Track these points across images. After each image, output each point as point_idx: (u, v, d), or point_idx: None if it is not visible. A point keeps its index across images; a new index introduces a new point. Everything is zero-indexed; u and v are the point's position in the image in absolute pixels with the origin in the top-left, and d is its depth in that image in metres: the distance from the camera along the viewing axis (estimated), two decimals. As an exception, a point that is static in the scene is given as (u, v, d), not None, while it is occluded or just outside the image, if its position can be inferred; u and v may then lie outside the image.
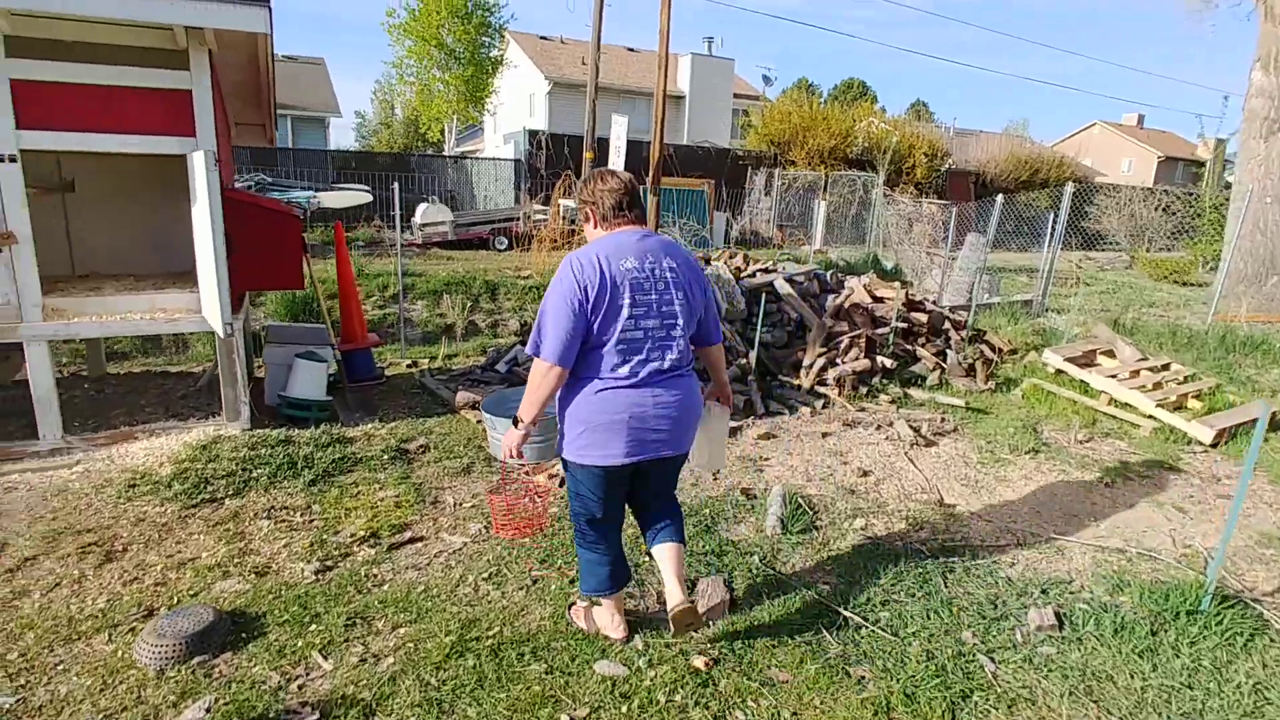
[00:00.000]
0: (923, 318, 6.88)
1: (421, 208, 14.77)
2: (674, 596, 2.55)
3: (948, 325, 7.06)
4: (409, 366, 6.68)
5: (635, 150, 18.15)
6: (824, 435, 5.06)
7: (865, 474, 4.40)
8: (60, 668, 2.53)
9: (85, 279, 5.12)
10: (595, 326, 2.28)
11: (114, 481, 3.93)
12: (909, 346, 6.58)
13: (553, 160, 17.91)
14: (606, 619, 2.70)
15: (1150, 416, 5.46)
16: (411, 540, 3.48)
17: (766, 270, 7.09)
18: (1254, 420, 5.20)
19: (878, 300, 7.02)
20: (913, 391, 6.06)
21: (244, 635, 2.71)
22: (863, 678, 2.58)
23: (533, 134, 18.47)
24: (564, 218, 12.96)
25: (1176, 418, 5.32)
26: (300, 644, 2.66)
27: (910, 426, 5.12)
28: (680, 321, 2.40)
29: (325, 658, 2.59)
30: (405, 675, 2.49)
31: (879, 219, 15.39)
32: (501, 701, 2.38)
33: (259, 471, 4.04)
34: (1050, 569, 3.39)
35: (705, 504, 3.89)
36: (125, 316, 4.27)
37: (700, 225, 15.19)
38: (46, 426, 4.22)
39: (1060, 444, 5.02)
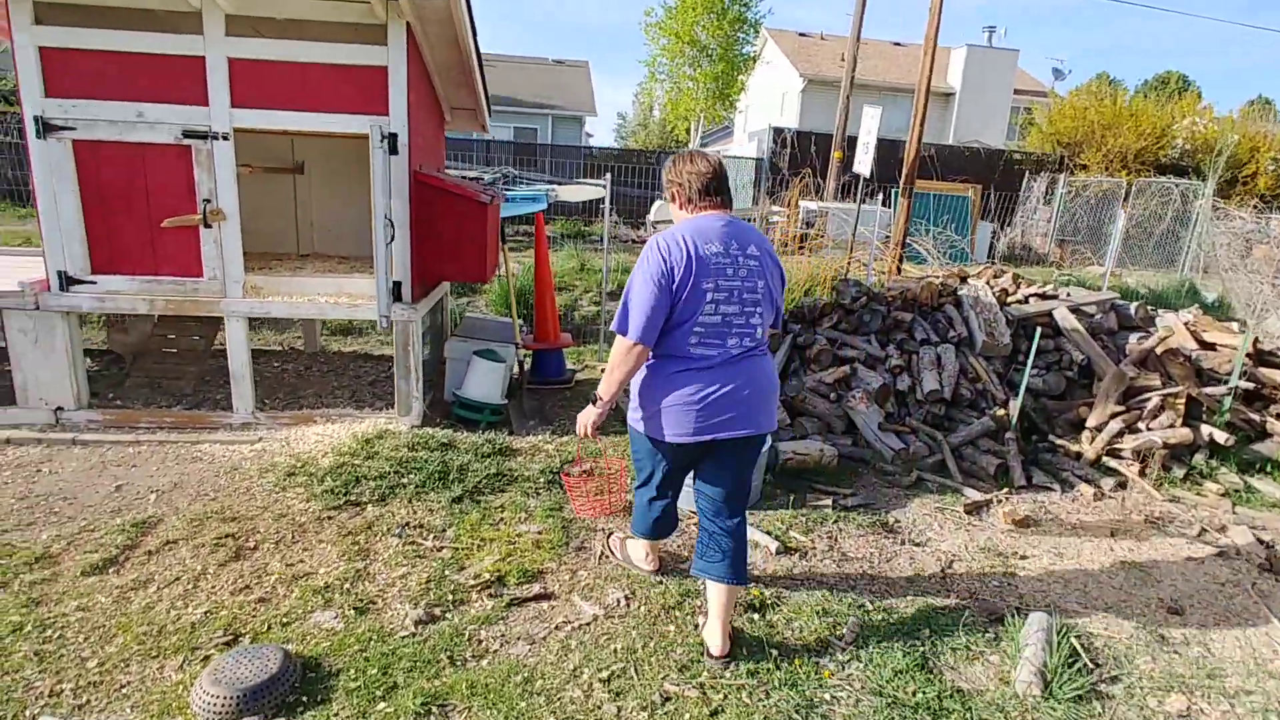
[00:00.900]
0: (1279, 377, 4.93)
1: (656, 205, 14.60)
2: (713, 639, 2.52)
3: (1320, 390, 5.01)
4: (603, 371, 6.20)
5: (890, 150, 16.47)
6: (1113, 534, 3.64)
7: (1178, 612, 2.98)
8: (122, 693, 2.24)
9: (306, 258, 5.26)
10: (678, 308, 2.30)
11: (278, 467, 3.82)
12: (1255, 416, 4.72)
13: (797, 160, 16.85)
14: (640, 554, 3.03)
15: None
16: (538, 597, 2.85)
17: (1043, 296, 5.56)
18: None
19: (1206, 347, 5.17)
20: (1259, 483, 4.27)
21: (305, 698, 2.24)
22: None
23: (777, 131, 17.55)
24: (802, 220, 11.94)
25: None
26: (360, 728, 2.13)
27: (1258, 539, 3.51)
28: (760, 310, 2.40)
29: (379, 758, 2.03)
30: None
31: (1201, 237, 12.28)
32: None
33: (410, 478, 3.70)
34: None
35: (921, 615, 2.81)
36: (313, 298, 4.20)
37: (960, 236, 13.23)
38: (240, 400, 4.28)
39: None
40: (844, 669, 2.52)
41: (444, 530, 3.32)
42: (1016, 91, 26.56)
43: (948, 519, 3.77)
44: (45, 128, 3.83)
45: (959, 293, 5.33)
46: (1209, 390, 4.68)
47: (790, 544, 3.37)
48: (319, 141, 5.08)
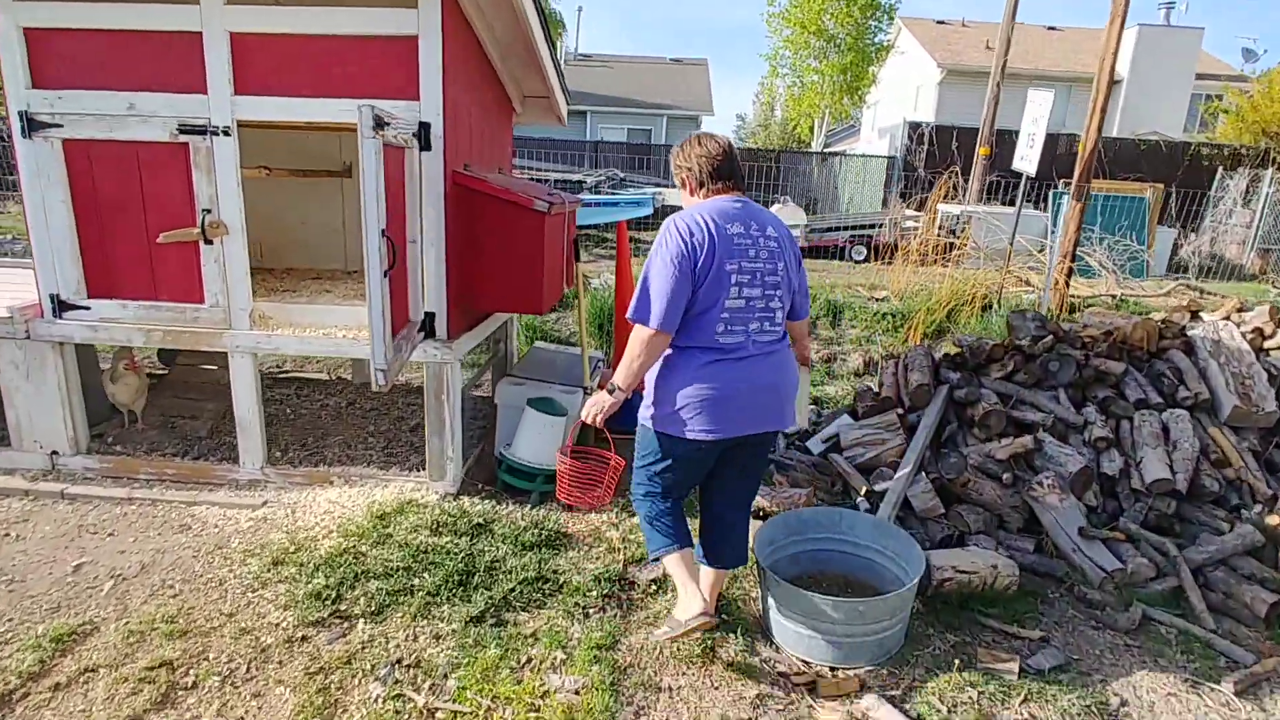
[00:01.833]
0: None
1: (773, 209, 13.33)
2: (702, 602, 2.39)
3: None
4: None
5: (1047, 145, 14.34)
6: None
7: None
8: None
9: (353, 274, 4.52)
10: (701, 292, 2.17)
11: (268, 549, 3.01)
12: None
13: (935, 157, 15.05)
14: (681, 612, 2.43)
15: None
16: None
17: (1315, 338, 3.98)
18: None
19: None
20: None
21: None
22: None
23: (913, 126, 15.78)
24: (942, 227, 10.36)
25: None
26: None
27: None
28: (780, 293, 2.31)
29: None
30: None
31: None
32: None
33: (422, 579, 2.79)
34: None
35: None
36: (329, 332, 3.38)
37: (1138, 243, 11.13)
38: (247, 454, 3.54)
39: None
40: None
41: (446, 676, 2.36)
42: (1199, 76, 23.09)
43: (1209, 704, 2.43)
44: (31, 125, 3.21)
45: (1190, 334, 3.86)
46: None
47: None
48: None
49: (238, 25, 3.07)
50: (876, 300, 8.15)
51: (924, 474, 3.45)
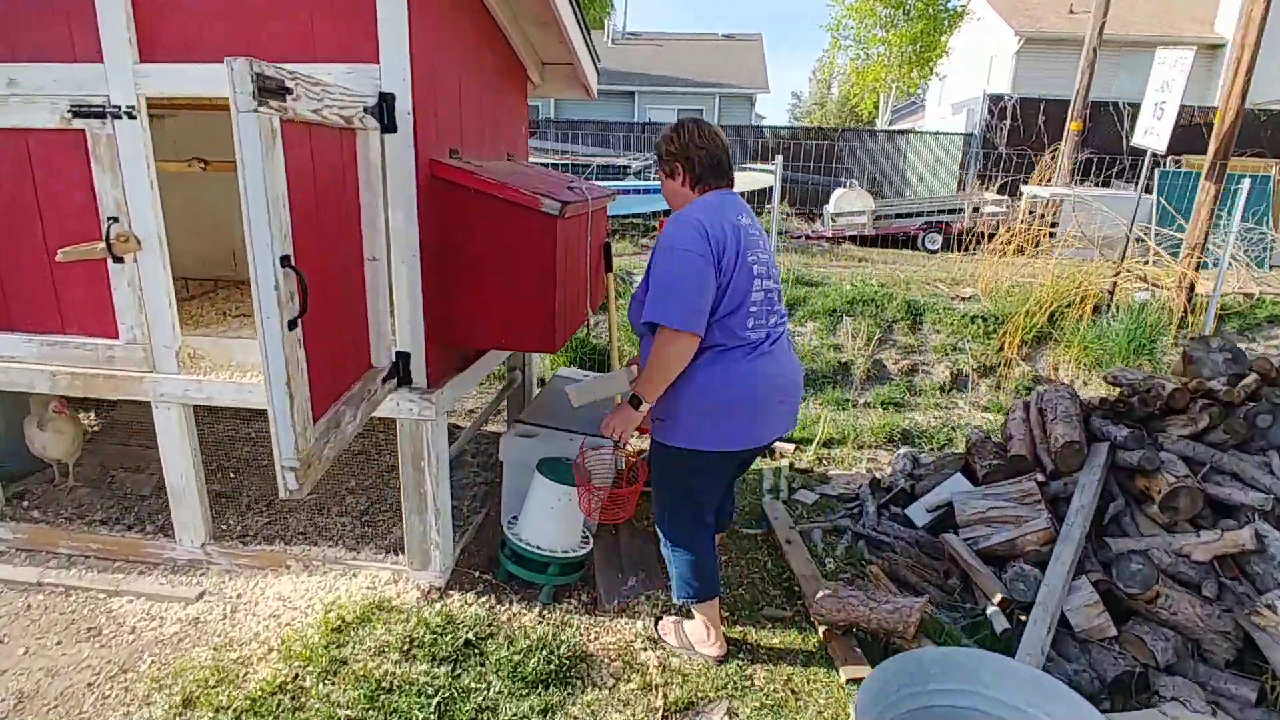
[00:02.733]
0: None
1: (837, 193, 12.18)
2: (718, 647, 2.38)
3: None
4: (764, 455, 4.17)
5: (1108, 116, 12.78)
6: None
7: None
8: None
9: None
10: (729, 288, 2.00)
11: (185, 676, 2.23)
12: None
13: (1020, 133, 13.59)
14: (703, 633, 2.38)
15: None
16: None
17: None
18: None
19: None
20: None
21: None
22: None
23: (994, 99, 14.28)
24: (1031, 213, 9.09)
25: None
26: None
27: None
28: (779, 285, 2.22)
29: None
30: None
31: None
32: None
33: (375, 740, 1.96)
34: None
35: None
36: (255, 374, 2.57)
37: (1265, 228, 9.62)
38: (184, 530, 2.77)
39: None
40: None
41: None
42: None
43: None
44: (-102, 110, 2.47)
45: None
46: None
47: None
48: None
49: (139, -33, 2.26)
50: (962, 298, 7.04)
51: (1085, 576, 2.47)
